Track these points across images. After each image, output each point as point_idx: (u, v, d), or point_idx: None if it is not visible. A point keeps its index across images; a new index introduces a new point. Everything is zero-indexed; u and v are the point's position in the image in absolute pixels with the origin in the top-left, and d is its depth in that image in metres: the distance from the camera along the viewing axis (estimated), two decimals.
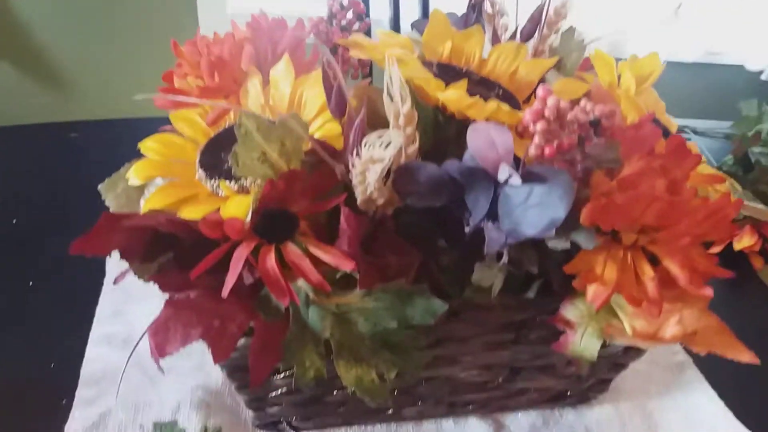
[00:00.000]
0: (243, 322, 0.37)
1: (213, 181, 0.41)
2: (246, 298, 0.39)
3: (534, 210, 0.34)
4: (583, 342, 0.42)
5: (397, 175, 0.39)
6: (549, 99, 0.33)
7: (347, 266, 0.37)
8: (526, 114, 0.33)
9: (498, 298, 0.43)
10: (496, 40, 0.53)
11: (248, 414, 0.52)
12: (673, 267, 0.38)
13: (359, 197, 0.38)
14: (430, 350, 0.46)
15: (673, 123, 0.54)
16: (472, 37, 0.51)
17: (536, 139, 0.34)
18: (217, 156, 0.43)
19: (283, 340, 0.38)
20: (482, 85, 0.47)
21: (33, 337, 0.59)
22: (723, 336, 0.41)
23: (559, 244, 0.39)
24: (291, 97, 0.44)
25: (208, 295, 0.38)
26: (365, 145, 0.34)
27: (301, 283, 0.39)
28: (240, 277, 0.38)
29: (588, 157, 0.37)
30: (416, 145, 0.39)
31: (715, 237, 0.40)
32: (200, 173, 0.42)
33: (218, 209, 0.39)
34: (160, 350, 0.34)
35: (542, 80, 0.49)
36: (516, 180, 0.33)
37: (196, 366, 0.57)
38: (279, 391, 0.48)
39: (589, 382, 0.53)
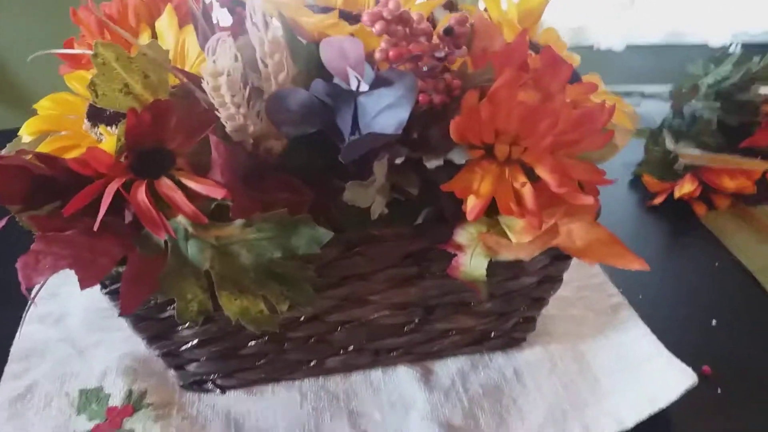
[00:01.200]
0: (116, 255, 0.37)
1: (96, 129, 0.42)
2: (126, 237, 0.39)
3: (384, 113, 0.34)
4: (472, 262, 0.42)
5: (269, 103, 0.39)
6: (390, 2, 0.33)
7: (217, 194, 0.37)
8: (364, 15, 0.33)
9: (390, 228, 0.43)
10: None
11: (174, 376, 0.52)
12: (543, 172, 0.37)
13: (227, 124, 0.38)
14: (334, 290, 0.46)
15: (575, 58, 0.54)
16: None
17: (382, 43, 0.34)
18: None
19: (160, 273, 0.38)
20: None
21: None
22: (613, 247, 0.41)
23: (433, 163, 0.39)
24: (175, 47, 0.45)
25: (84, 233, 0.38)
26: (207, 55, 0.35)
27: (180, 218, 0.39)
28: (121, 215, 0.39)
29: (448, 67, 0.38)
30: (286, 72, 0.40)
31: (590, 145, 0.40)
32: (86, 123, 0.43)
33: None
34: (27, 280, 0.35)
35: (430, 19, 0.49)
36: (363, 86, 0.33)
37: (125, 338, 0.57)
38: (189, 344, 0.48)
39: (512, 321, 0.53)
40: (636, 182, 0.81)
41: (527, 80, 0.40)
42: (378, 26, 0.33)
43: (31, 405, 0.51)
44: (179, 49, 0.45)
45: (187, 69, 0.45)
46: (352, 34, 0.40)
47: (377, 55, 0.34)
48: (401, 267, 0.45)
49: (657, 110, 0.96)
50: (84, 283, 0.35)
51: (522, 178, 0.38)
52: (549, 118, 0.37)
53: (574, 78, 0.49)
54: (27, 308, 0.58)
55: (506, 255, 0.40)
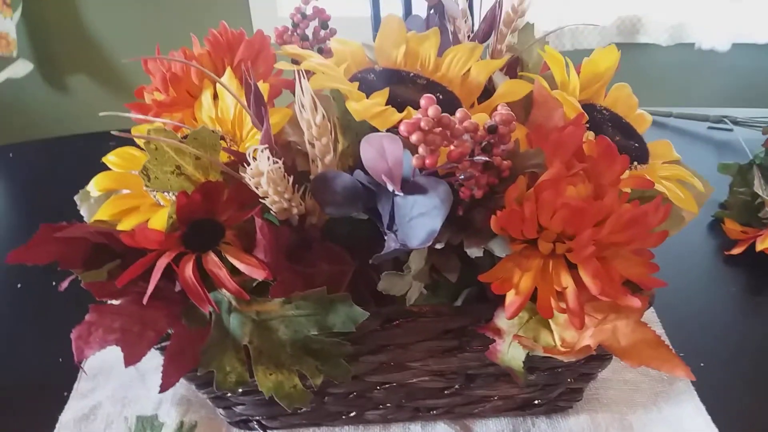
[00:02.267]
0: (162, 328, 0.39)
1: (154, 192, 0.44)
2: (175, 305, 0.41)
3: (417, 221, 0.34)
4: (510, 351, 0.41)
5: (314, 185, 0.40)
6: (430, 109, 0.33)
7: (259, 275, 0.38)
8: (401, 126, 0.33)
9: (430, 305, 0.43)
10: (456, 41, 0.52)
11: (222, 413, 0.55)
12: (585, 276, 0.36)
13: (272, 207, 0.39)
14: (374, 356, 0.46)
15: (647, 118, 0.51)
16: (426, 41, 0.50)
17: (419, 149, 0.33)
18: None
19: (203, 346, 0.39)
20: (426, 89, 0.47)
21: (50, 333, 0.65)
22: (659, 350, 0.39)
23: (474, 252, 0.39)
24: (235, 108, 0.46)
25: (135, 302, 0.40)
26: (251, 158, 0.35)
27: (225, 291, 0.40)
28: (171, 285, 0.41)
29: (490, 167, 0.37)
30: (332, 155, 0.40)
31: (642, 244, 0.38)
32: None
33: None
34: (78, 353, 0.37)
35: (490, 81, 0.48)
36: (397, 192, 0.33)
37: None
38: (238, 391, 0.50)
39: (557, 391, 0.52)
40: (717, 225, 0.76)
41: (578, 171, 0.38)
42: (415, 137, 0.32)
43: (93, 426, 0.55)
44: (238, 111, 0.46)
45: (244, 129, 0.46)
46: (400, 122, 0.39)
47: (414, 162, 0.33)
48: (440, 340, 0.45)
49: (753, 139, 0.89)
50: (129, 360, 0.37)
51: (565, 278, 0.37)
52: (595, 219, 0.35)
53: (640, 151, 0.46)
54: (77, 380, 0.61)
55: (539, 353, 0.39)
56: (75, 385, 0.59)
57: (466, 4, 0.53)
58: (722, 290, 0.68)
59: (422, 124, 0.32)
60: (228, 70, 0.47)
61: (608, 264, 0.38)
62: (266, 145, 0.35)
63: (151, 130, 0.37)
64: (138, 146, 0.49)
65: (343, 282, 0.44)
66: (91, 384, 0.59)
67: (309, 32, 0.56)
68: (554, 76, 0.47)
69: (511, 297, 0.38)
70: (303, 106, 0.38)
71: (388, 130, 0.39)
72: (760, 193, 0.72)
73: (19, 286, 0.70)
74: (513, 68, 0.51)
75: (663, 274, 0.69)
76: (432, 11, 0.53)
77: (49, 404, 0.57)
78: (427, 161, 0.33)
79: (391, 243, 0.36)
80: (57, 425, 0.55)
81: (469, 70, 0.48)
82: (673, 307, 0.64)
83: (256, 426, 0.54)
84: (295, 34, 0.54)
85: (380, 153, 0.35)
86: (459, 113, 0.35)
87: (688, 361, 0.58)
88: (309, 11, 0.55)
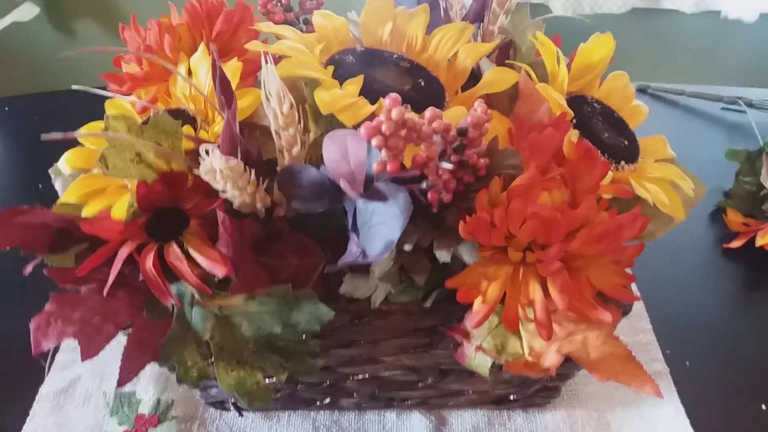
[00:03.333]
0: (123, 320, 0.38)
1: None
2: (138, 293, 0.40)
3: (376, 229, 0.32)
4: (478, 356, 0.40)
5: (280, 178, 0.38)
6: (393, 111, 0.30)
7: (220, 272, 0.37)
8: (361, 128, 0.31)
9: (400, 304, 0.42)
10: (447, 19, 0.50)
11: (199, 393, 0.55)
12: (553, 290, 0.34)
13: (233, 202, 0.37)
14: (344, 350, 0.46)
15: (642, 110, 0.48)
16: (414, 18, 0.48)
17: (382, 153, 0.31)
18: None
19: (163, 339, 0.39)
20: (409, 73, 0.44)
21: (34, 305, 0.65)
22: (629, 365, 0.38)
23: (443, 257, 0.37)
24: (209, 87, 0.44)
25: (98, 291, 0.39)
26: (203, 153, 0.34)
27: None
28: (136, 272, 0.40)
29: (465, 166, 0.35)
30: (299, 146, 0.38)
31: (616, 257, 0.36)
32: None
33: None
34: (35, 345, 0.36)
35: (478, 67, 0.45)
36: (355, 197, 0.32)
37: None
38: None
39: (533, 389, 0.51)
40: (718, 214, 0.74)
41: (555, 176, 0.36)
42: (375, 142, 0.30)
43: (72, 400, 0.55)
44: (210, 90, 0.44)
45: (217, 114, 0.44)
46: (373, 114, 0.37)
47: (375, 167, 0.32)
48: (411, 338, 0.44)
49: (766, 122, 0.85)
50: (85, 354, 0.37)
51: (534, 289, 0.36)
52: (567, 230, 0.33)
53: (629, 150, 0.44)
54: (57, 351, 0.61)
55: (500, 361, 0.38)
56: (56, 357, 0.59)
57: None
58: (717, 285, 0.66)
59: (383, 128, 0.30)
60: (201, 46, 0.45)
61: (579, 275, 0.36)
62: (215, 145, 0.33)
63: (108, 116, 0.35)
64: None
65: (312, 275, 0.42)
66: (72, 356, 0.59)
67: (295, 2, 0.53)
68: (545, 62, 0.44)
69: (477, 305, 0.37)
70: (269, 94, 0.36)
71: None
72: (766, 183, 0.69)
73: None
74: (505, 51, 0.48)
75: (656, 264, 0.67)
76: None
77: (30, 376, 0.58)
78: (389, 167, 0.31)
79: (353, 246, 0.35)
80: (37, 397, 0.55)
81: (457, 52, 0.46)
82: (663, 300, 0.63)
83: (232, 408, 0.54)
84: (279, 4, 0.52)
85: (343, 153, 0.33)
86: (428, 113, 0.33)
87: (674, 360, 0.57)
88: None
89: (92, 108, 0.49)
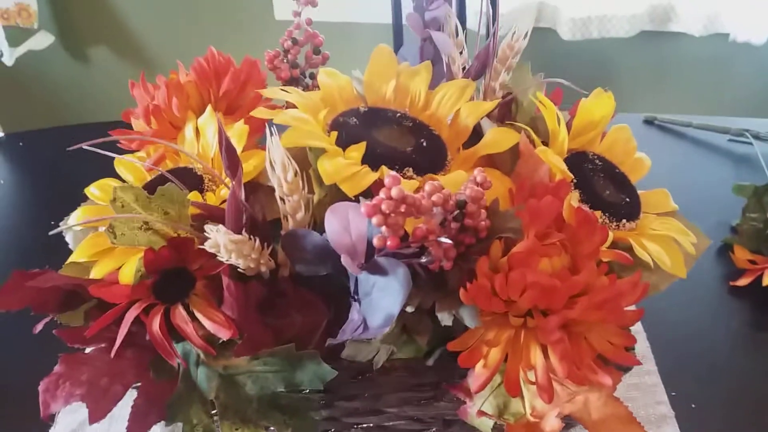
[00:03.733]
0: (130, 380, 0.39)
1: None
2: (146, 352, 0.41)
3: (376, 300, 0.33)
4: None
5: (284, 242, 0.39)
6: (393, 190, 0.31)
7: (225, 335, 0.38)
8: (362, 207, 0.31)
9: (402, 361, 0.43)
10: (449, 74, 0.50)
11: None
12: (553, 357, 0.35)
13: (238, 264, 0.38)
14: (348, 402, 0.46)
15: (645, 164, 0.49)
16: (417, 76, 0.49)
17: (383, 229, 0.32)
18: None
19: (169, 398, 0.39)
20: (412, 133, 0.45)
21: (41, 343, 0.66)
22: (629, 426, 0.38)
23: (445, 319, 0.38)
24: (216, 147, 0.45)
25: (106, 351, 0.40)
26: (209, 232, 0.35)
27: None
28: (143, 331, 0.41)
29: (465, 230, 0.35)
30: (303, 212, 0.39)
31: (616, 323, 0.36)
32: None
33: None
34: (44, 408, 0.37)
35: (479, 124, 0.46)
36: (356, 272, 0.32)
37: None
38: None
39: None
40: (725, 250, 0.74)
41: (555, 242, 0.37)
42: (376, 221, 0.31)
43: None
44: (218, 151, 0.45)
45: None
46: (378, 180, 0.38)
47: (375, 242, 0.32)
48: (414, 392, 0.45)
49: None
50: (94, 417, 0.37)
51: (535, 354, 0.36)
52: (567, 297, 0.34)
53: (631, 207, 0.44)
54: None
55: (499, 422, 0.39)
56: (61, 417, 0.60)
57: (463, 35, 0.51)
58: (723, 324, 0.65)
59: (383, 207, 0.31)
60: (208, 108, 0.46)
61: (579, 339, 0.37)
62: (219, 225, 0.34)
63: (115, 188, 0.36)
64: (120, 177, 0.49)
65: (316, 332, 0.43)
66: (77, 417, 0.60)
67: (301, 56, 0.54)
68: (547, 120, 0.44)
69: (479, 369, 0.37)
70: (274, 163, 0.37)
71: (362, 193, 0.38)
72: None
73: None
74: (507, 107, 0.49)
75: (661, 302, 0.67)
76: (426, 41, 0.51)
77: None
78: (389, 243, 0.32)
79: (354, 313, 0.35)
80: None
81: (459, 110, 0.47)
82: (667, 340, 0.63)
83: None
84: (285, 60, 0.53)
85: (344, 226, 0.34)
86: (428, 186, 0.34)
87: (679, 402, 0.57)
88: (301, 36, 0.53)
89: (107, 144, 0.50)
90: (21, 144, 0.98)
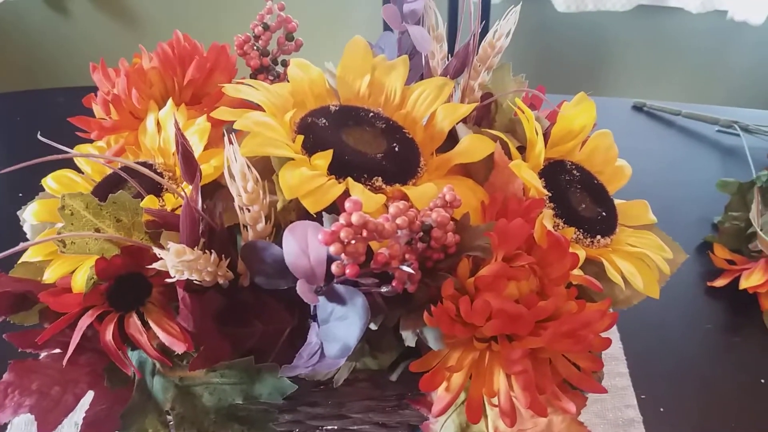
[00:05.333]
0: (82, 389, 0.38)
1: None
2: (99, 359, 0.40)
3: (334, 330, 0.31)
4: (443, 431, 0.40)
5: (244, 252, 0.38)
6: (353, 216, 0.29)
7: (179, 348, 0.37)
8: (319, 236, 0.30)
9: (366, 373, 0.42)
10: (428, 68, 0.48)
11: None
12: (515, 385, 0.34)
13: (193, 279, 0.36)
14: (311, 408, 0.45)
15: (625, 173, 0.47)
16: (393, 71, 0.46)
17: (343, 255, 0.30)
18: None
19: (124, 408, 0.38)
20: (384, 136, 0.43)
21: None
22: None
23: (408, 339, 0.36)
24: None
25: (58, 358, 0.39)
26: (158, 253, 0.33)
27: None
28: (96, 337, 0.40)
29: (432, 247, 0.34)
30: (263, 223, 0.37)
31: (583, 350, 0.35)
32: None
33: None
34: None
35: (453, 130, 0.44)
36: (312, 301, 0.31)
37: None
38: None
39: None
40: (705, 248, 0.73)
41: (524, 265, 0.36)
42: (334, 249, 0.29)
43: None
44: None
45: None
46: (345, 192, 0.36)
47: (333, 269, 0.31)
48: (378, 401, 0.44)
49: (761, 147, 0.84)
50: (43, 429, 0.36)
51: (498, 379, 0.35)
52: (533, 323, 0.33)
53: (607, 222, 0.43)
54: None
55: None
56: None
57: (444, 27, 0.48)
58: (697, 326, 0.65)
59: (342, 235, 0.29)
60: (169, 102, 0.43)
61: (544, 364, 0.36)
62: (169, 245, 0.32)
63: (64, 195, 0.34)
64: (77, 169, 0.47)
65: (277, 341, 0.42)
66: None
67: (273, 42, 0.52)
68: (525, 130, 0.42)
69: (441, 391, 0.36)
70: (232, 173, 0.35)
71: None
72: (755, 222, 0.68)
73: None
74: (486, 108, 0.47)
75: None
76: (404, 34, 0.49)
77: None
78: (348, 271, 0.30)
79: (313, 336, 0.34)
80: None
81: (435, 111, 0.45)
82: (640, 339, 0.62)
83: None
84: (255, 47, 0.50)
85: (302, 248, 0.32)
86: (392, 209, 0.32)
87: (648, 406, 0.57)
88: (273, 21, 0.50)
89: (77, 108, 0.48)
90: None
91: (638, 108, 0.92)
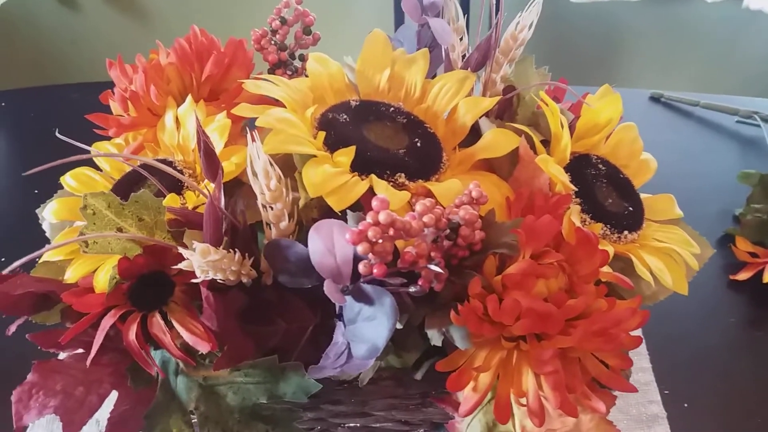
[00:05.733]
0: (107, 390, 0.38)
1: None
2: (122, 359, 0.39)
3: (362, 331, 0.31)
4: (469, 430, 0.39)
5: (267, 250, 0.37)
6: (381, 214, 0.29)
7: (204, 347, 0.36)
8: (347, 235, 0.29)
9: (390, 371, 0.41)
10: (448, 61, 0.47)
11: None
12: (545, 385, 0.33)
13: (217, 278, 0.36)
14: (333, 406, 0.45)
15: (651, 166, 0.46)
16: (413, 65, 0.46)
17: (370, 255, 0.30)
18: None
19: (147, 409, 0.38)
20: (405, 131, 0.43)
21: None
22: None
23: (435, 337, 0.36)
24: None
25: (81, 358, 0.39)
26: (184, 254, 0.32)
27: None
28: (119, 336, 0.39)
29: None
30: (287, 221, 0.37)
31: (614, 350, 0.35)
32: None
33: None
34: (17, 419, 0.36)
35: (476, 124, 0.43)
36: (339, 301, 0.30)
37: None
38: None
39: None
40: (727, 240, 0.72)
41: (552, 263, 0.35)
42: (361, 248, 0.29)
43: None
44: None
45: None
46: (369, 189, 0.36)
47: (361, 269, 0.30)
48: (402, 398, 0.44)
49: None
50: (68, 430, 0.36)
51: (527, 379, 0.34)
52: (563, 322, 0.32)
53: (633, 216, 0.42)
54: None
55: None
56: None
57: (464, 20, 0.47)
58: (721, 320, 0.64)
59: (370, 234, 0.29)
60: (189, 98, 0.43)
61: (573, 363, 0.35)
62: (194, 245, 0.32)
63: (86, 195, 0.34)
64: (96, 166, 0.46)
65: (301, 338, 0.41)
66: None
67: (290, 36, 0.51)
68: (550, 123, 0.42)
69: (468, 392, 0.36)
70: (255, 171, 0.35)
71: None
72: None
73: None
74: (508, 101, 0.46)
75: None
76: (424, 26, 0.48)
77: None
78: (375, 271, 0.30)
79: (339, 336, 0.34)
80: None
81: (457, 105, 0.44)
82: (663, 335, 0.61)
83: None
84: (273, 41, 0.49)
85: (328, 247, 0.32)
86: (419, 206, 0.31)
87: (672, 401, 0.57)
88: (290, 15, 0.50)
89: (91, 104, 0.47)
90: (3, 104, 0.94)
91: (655, 99, 0.91)
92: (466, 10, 1.19)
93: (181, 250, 0.32)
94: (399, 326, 0.36)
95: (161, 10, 1.66)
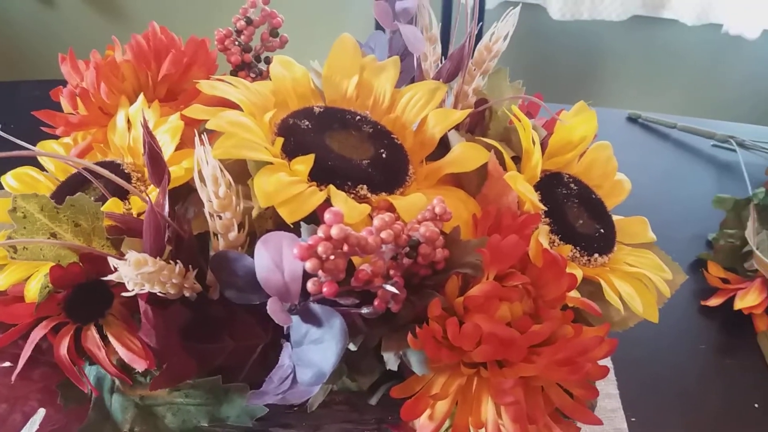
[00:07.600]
0: (32, 408, 0.35)
1: None
2: (54, 374, 0.37)
3: (308, 354, 0.28)
4: None
5: (214, 262, 0.35)
6: (333, 228, 0.27)
7: (140, 365, 0.34)
8: (294, 249, 0.27)
9: (343, 395, 0.39)
10: (420, 70, 0.45)
11: None
12: (505, 417, 0.31)
13: (156, 292, 0.33)
14: (284, 429, 0.42)
15: (625, 187, 0.45)
16: (383, 73, 0.43)
17: (320, 272, 0.28)
18: None
19: (78, 429, 0.35)
20: (371, 140, 0.40)
21: None
22: None
23: (391, 361, 0.34)
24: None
25: (8, 372, 0.36)
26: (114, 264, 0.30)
27: None
28: (51, 350, 0.36)
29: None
30: (236, 231, 0.34)
31: (580, 379, 0.33)
32: None
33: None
34: None
35: (444, 137, 0.41)
36: (284, 322, 0.28)
37: None
38: None
39: None
40: (699, 265, 0.70)
41: (517, 286, 0.33)
42: (310, 265, 0.26)
43: None
44: None
45: None
46: (327, 200, 0.33)
47: (309, 287, 0.28)
48: (356, 424, 0.41)
49: (758, 164, 0.82)
50: None
51: (486, 408, 0.32)
52: (526, 349, 0.30)
53: (605, 239, 0.40)
54: None
55: None
56: None
57: (437, 28, 0.45)
58: (690, 347, 0.63)
59: (320, 250, 0.26)
60: (140, 97, 0.40)
61: (536, 393, 0.33)
62: (128, 254, 0.29)
63: (16, 197, 0.31)
64: (41, 166, 0.44)
65: (249, 358, 0.39)
66: None
67: (258, 38, 0.49)
68: (522, 139, 0.40)
69: (424, 420, 0.33)
70: (203, 178, 0.32)
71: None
72: (750, 240, 0.66)
73: None
74: (480, 114, 0.44)
75: None
76: (396, 33, 0.46)
77: None
78: (325, 289, 0.27)
79: (285, 358, 0.31)
80: None
81: (426, 117, 0.42)
82: (631, 360, 0.60)
83: None
84: (237, 42, 0.47)
85: (276, 261, 0.29)
86: (377, 221, 0.29)
87: (639, 428, 0.55)
88: (256, 15, 0.47)
89: (51, 101, 0.45)
90: None
91: (633, 120, 0.90)
92: (447, 20, 1.16)
93: (112, 260, 0.29)
94: (353, 348, 0.34)
95: (138, 9, 1.62)
